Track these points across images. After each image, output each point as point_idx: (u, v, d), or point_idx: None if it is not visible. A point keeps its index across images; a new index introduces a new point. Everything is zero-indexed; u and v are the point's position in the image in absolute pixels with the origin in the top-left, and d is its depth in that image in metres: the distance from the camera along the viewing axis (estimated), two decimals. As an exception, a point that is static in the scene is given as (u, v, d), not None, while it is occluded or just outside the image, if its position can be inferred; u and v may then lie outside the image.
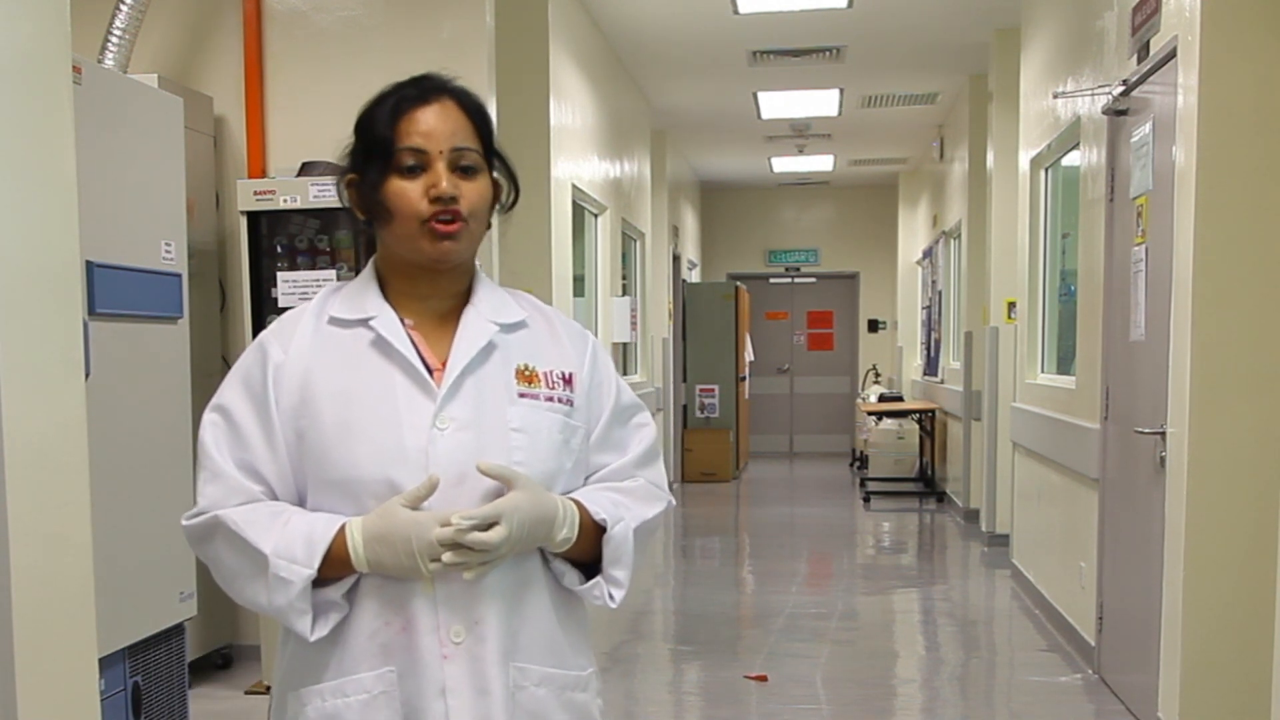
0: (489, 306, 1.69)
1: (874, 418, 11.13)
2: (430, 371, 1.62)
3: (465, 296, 1.70)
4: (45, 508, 2.33)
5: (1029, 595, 6.35)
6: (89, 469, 2.48)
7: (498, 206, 1.71)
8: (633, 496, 1.71)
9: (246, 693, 4.69)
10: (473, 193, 1.61)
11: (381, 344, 1.62)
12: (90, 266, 3.43)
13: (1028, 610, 6.15)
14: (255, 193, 4.56)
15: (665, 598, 6.90)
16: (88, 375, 2.54)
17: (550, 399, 1.66)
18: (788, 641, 5.62)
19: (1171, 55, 3.90)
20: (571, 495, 1.65)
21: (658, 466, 1.79)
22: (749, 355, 13.19)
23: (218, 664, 5.01)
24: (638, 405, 1.79)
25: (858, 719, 4.51)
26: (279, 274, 4.61)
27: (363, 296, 1.67)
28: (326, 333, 1.65)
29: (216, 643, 5.00)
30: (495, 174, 1.68)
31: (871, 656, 5.46)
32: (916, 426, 10.91)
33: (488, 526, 1.51)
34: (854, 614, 6.26)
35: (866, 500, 10.39)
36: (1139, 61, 4.33)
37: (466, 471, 1.56)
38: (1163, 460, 3.94)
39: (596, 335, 8.40)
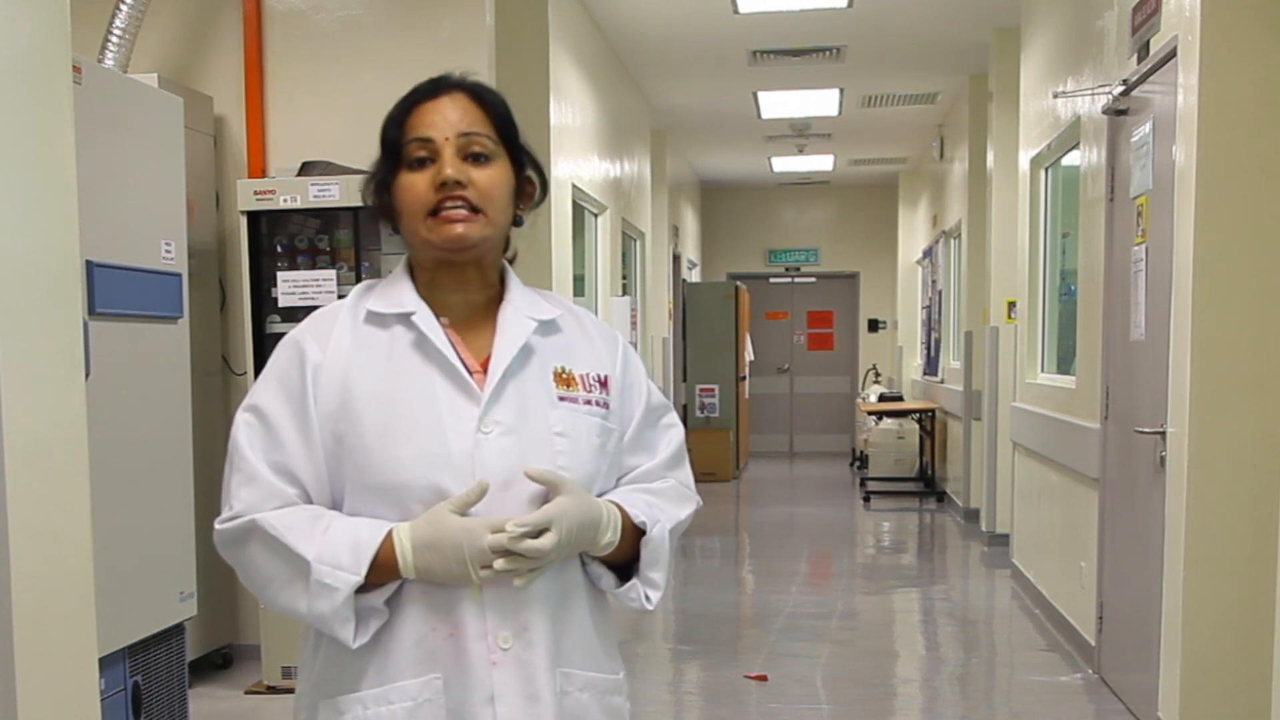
0: (523, 305, 1.67)
1: (874, 417, 11.13)
2: (470, 373, 1.60)
3: (497, 296, 1.68)
4: (45, 508, 2.33)
5: (1029, 595, 6.35)
6: (89, 469, 2.48)
7: (529, 204, 1.69)
8: (665, 498, 1.70)
9: (246, 693, 4.69)
10: (484, 180, 1.58)
11: (422, 344, 1.60)
12: (90, 266, 3.43)
13: (1028, 610, 6.15)
14: (255, 192, 4.56)
15: (665, 597, 6.88)
16: (88, 375, 2.54)
17: (588, 402, 1.64)
18: (788, 641, 5.62)
19: (1171, 55, 3.90)
20: (609, 498, 1.64)
21: (686, 466, 1.78)
22: (749, 355, 13.19)
23: (218, 664, 5.01)
24: (666, 405, 1.78)
25: (858, 719, 4.51)
26: (279, 274, 4.60)
27: (399, 292, 1.65)
28: (365, 332, 1.62)
29: (216, 643, 5.00)
30: (527, 171, 1.67)
31: (871, 656, 5.46)
32: (916, 426, 10.91)
33: (539, 533, 1.50)
34: (854, 614, 6.27)
35: (866, 500, 10.39)
36: (1139, 61, 4.33)
37: (513, 476, 1.55)
38: (1163, 460, 3.94)
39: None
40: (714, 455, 11.96)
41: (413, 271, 1.68)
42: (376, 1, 4.95)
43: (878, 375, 13.81)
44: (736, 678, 5.00)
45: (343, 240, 4.64)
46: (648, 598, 1.65)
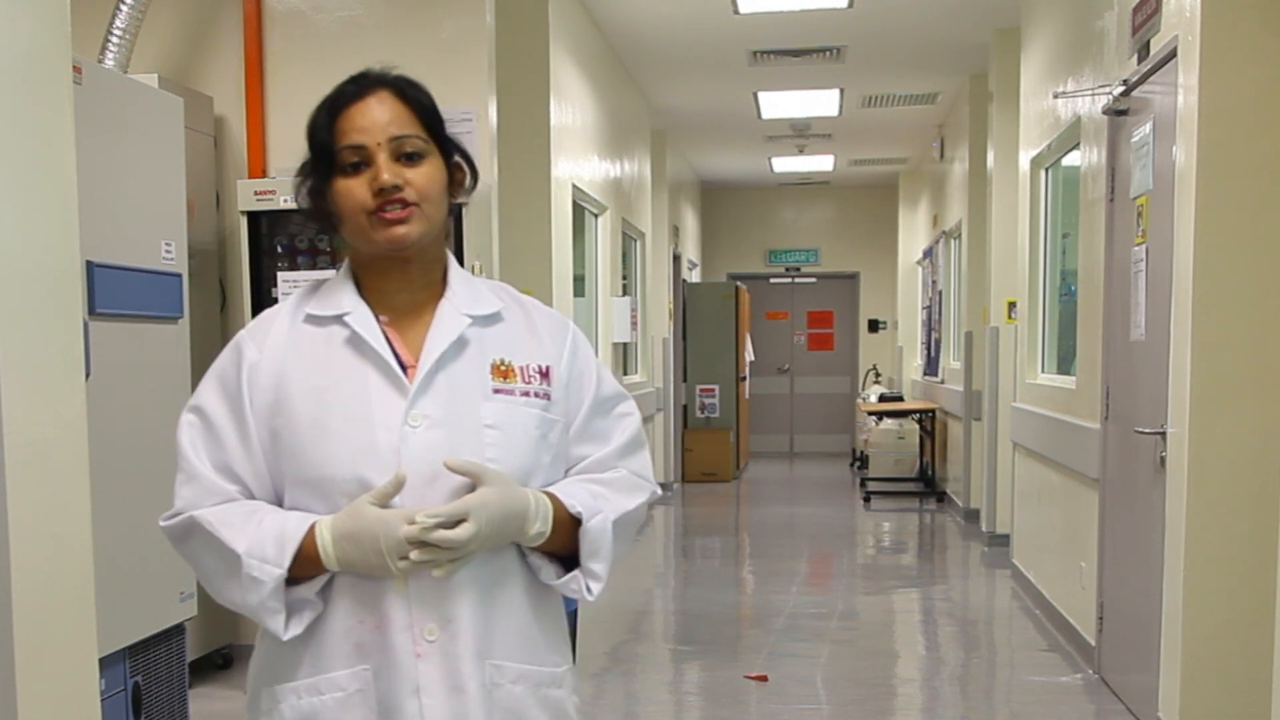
0: (463, 299, 1.69)
1: (874, 418, 11.13)
2: (404, 368, 1.62)
3: (440, 288, 1.70)
4: (45, 508, 2.33)
5: (1029, 595, 6.35)
6: (89, 469, 2.48)
7: (462, 191, 1.71)
8: (613, 488, 1.70)
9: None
10: (420, 178, 1.61)
11: (355, 341, 1.63)
12: (90, 266, 3.43)
13: (1028, 610, 6.15)
14: (255, 193, 4.56)
15: (665, 598, 6.90)
16: (88, 375, 2.54)
17: (527, 393, 1.65)
18: (788, 641, 5.62)
19: (1172, 55, 3.90)
20: (548, 488, 1.65)
21: (641, 456, 1.77)
22: (749, 355, 13.19)
23: (218, 664, 5.01)
24: (620, 395, 1.78)
25: (858, 719, 4.51)
26: (279, 274, 4.61)
27: (338, 294, 1.68)
28: (301, 330, 1.66)
29: (216, 643, 4.99)
30: (455, 158, 1.69)
31: (871, 656, 5.46)
32: (917, 426, 10.91)
33: (455, 524, 1.51)
34: (854, 614, 6.26)
35: (866, 500, 10.39)
36: (1139, 61, 4.33)
37: (439, 469, 1.56)
38: (1163, 460, 3.94)
39: (597, 335, 8.29)
40: (714, 455, 11.96)
41: (355, 270, 1.70)
42: (376, 1, 4.95)
43: (878, 375, 13.81)
44: (737, 678, 5.00)
45: (342, 240, 4.63)
46: (589, 589, 1.65)
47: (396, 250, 1.62)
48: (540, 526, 1.59)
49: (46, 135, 2.34)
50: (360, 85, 1.64)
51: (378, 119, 1.60)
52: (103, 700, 3.01)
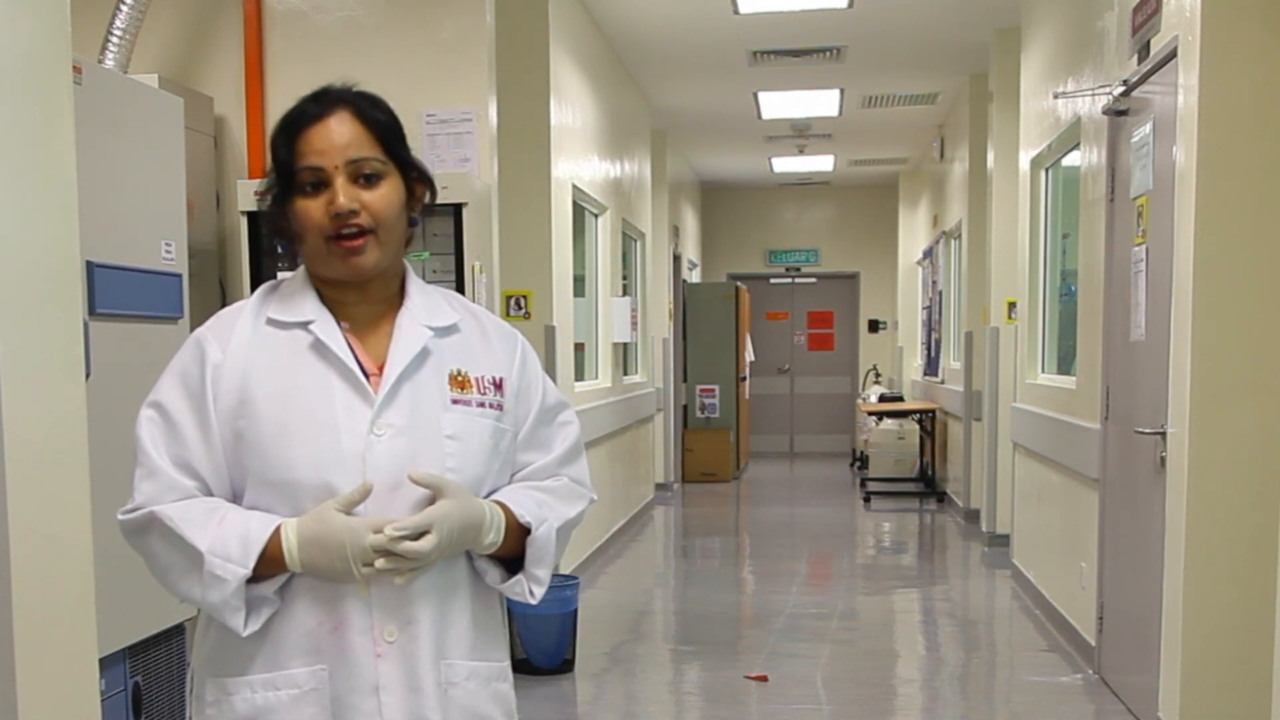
0: (422, 310, 1.72)
1: (874, 418, 11.13)
2: (366, 376, 1.65)
3: (398, 298, 1.73)
4: (45, 508, 2.33)
5: (1029, 595, 6.35)
6: (89, 469, 2.48)
7: (421, 205, 1.74)
8: (556, 495, 1.76)
9: (246, 693, 4.68)
10: (377, 201, 1.64)
11: (320, 347, 1.66)
12: (90, 266, 3.42)
13: (1028, 610, 6.15)
14: (255, 193, 4.55)
15: (665, 598, 6.90)
16: (88, 375, 2.54)
17: (482, 404, 1.70)
18: (788, 641, 5.62)
19: (1172, 55, 3.90)
20: (497, 496, 1.70)
21: (581, 464, 1.84)
22: (749, 355, 13.19)
23: (218, 664, 5.00)
24: (562, 404, 1.84)
25: (858, 719, 4.51)
26: (279, 274, 4.59)
27: (300, 300, 1.71)
28: (265, 333, 1.68)
29: (216, 643, 4.99)
30: (414, 175, 1.71)
31: (872, 656, 5.46)
32: (917, 426, 10.91)
33: (419, 535, 1.55)
34: (854, 614, 6.26)
35: (867, 500, 10.39)
36: (1139, 61, 4.33)
37: (402, 478, 1.60)
38: (1163, 460, 3.94)
39: (597, 335, 8.28)
40: (714, 455, 11.96)
41: (313, 278, 1.73)
42: (376, 1, 4.95)
43: (878, 376, 13.81)
44: (737, 678, 5.00)
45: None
46: (532, 592, 1.71)
47: (354, 279, 1.67)
48: (494, 536, 1.65)
49: (46, 135, 2.34)
50: (320, 104, 1.67)
51: (335, 141, 1.63)
52: (103, 700, 3.01)
